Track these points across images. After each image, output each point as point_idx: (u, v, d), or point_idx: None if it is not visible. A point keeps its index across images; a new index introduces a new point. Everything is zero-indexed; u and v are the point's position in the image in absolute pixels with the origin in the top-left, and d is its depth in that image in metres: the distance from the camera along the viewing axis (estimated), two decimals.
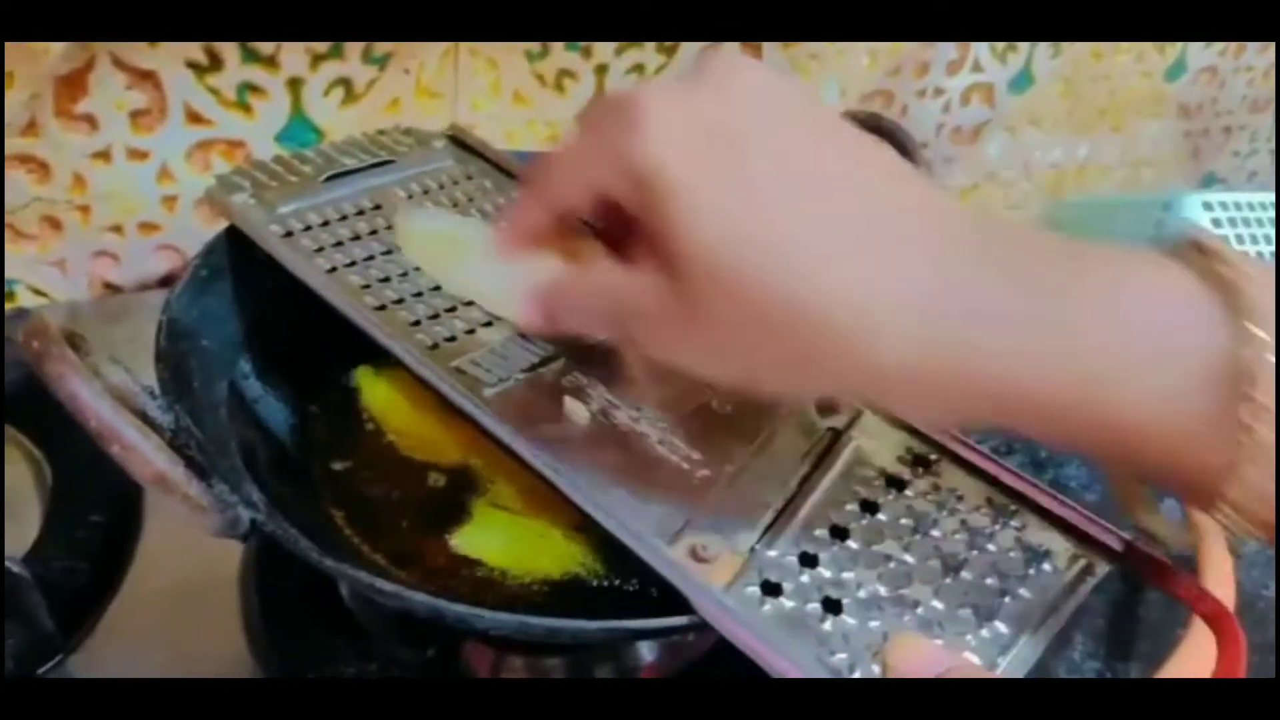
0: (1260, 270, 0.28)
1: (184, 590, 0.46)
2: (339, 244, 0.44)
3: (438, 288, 0.43)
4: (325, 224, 0.45)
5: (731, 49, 0.62)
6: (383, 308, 0.41)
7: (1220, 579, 0.50)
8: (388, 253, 0.44)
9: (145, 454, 0.32)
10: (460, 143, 0.52)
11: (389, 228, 0.45)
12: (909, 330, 0.28)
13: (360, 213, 0.46)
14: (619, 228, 0.33)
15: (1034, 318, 0.28)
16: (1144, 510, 0.43)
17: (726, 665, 0.43)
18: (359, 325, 0.40)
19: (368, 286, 0.42)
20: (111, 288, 0.64)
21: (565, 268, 0.34)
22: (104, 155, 0.60)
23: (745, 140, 0.29)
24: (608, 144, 0.30)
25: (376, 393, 0.46)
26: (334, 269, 0.42)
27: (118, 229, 0.63)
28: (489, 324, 0.42)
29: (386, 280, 0.42)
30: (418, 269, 0.43)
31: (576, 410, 0.39)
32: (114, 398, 0.33)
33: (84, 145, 0.59)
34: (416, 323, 0.41)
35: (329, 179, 0.47)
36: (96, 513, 0.48)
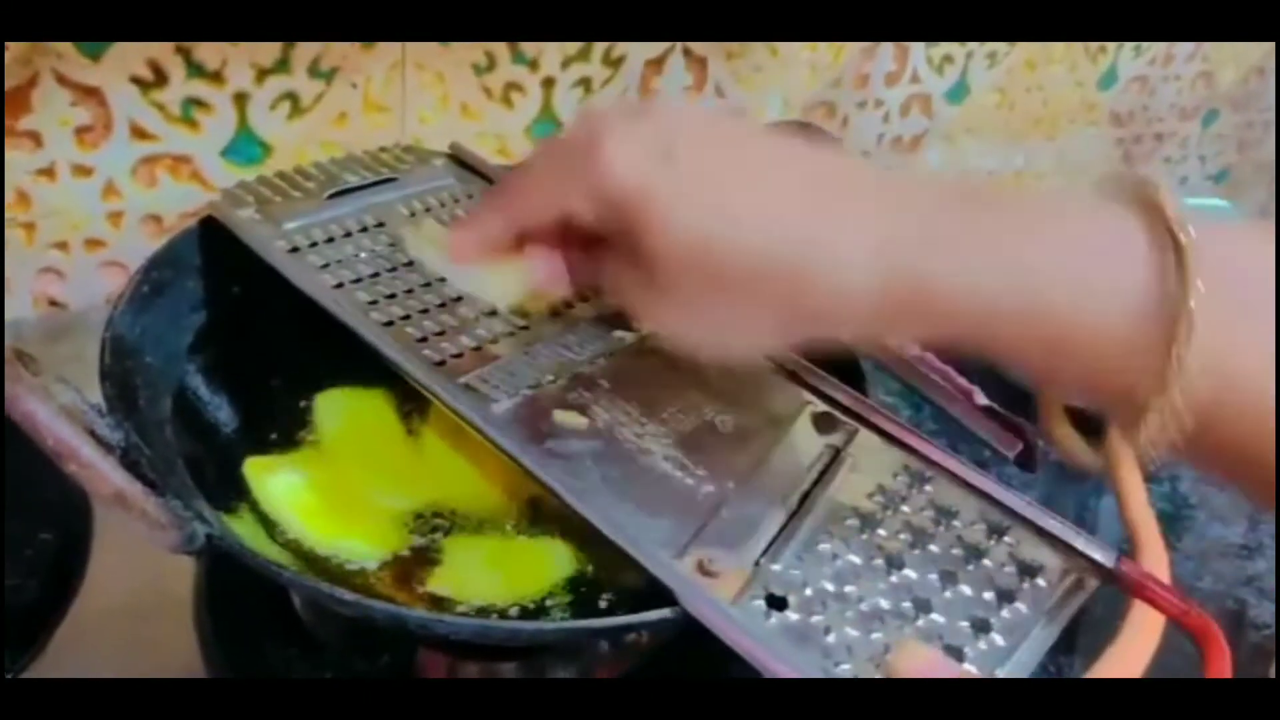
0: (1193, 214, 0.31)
1: (136, 607, 0.46)
2: (344, 260, 0.44)
3: (443, 305, 0.43)
4: (330, 240, 0.45)
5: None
6: (390, 324, 0.41)
7: (1139, 508, 0.53)
8: (393, 270, 0.44)
9: (104, 472, 0.32)
10: (460, 161, 0.52)
11: (392, 245, 0.46)
12: (869, 261, 0.33)
13: (364, 229, 0.46)
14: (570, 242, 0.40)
15: (982, 239, 0.33)
16: (1059, 424, 0.44)
17: (673, 664, 0.45)
18: (368, 341, 0.40)
19: (374, 303, 0.42)
20: (56, 305, 0.64)
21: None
22: (48, 172, 0.60)
23: (691, 151, 0.35)
24: (578, 176, 0.36)
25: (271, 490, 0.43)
26: (340, 285, 0.43)
27: (62, 246, 0.62)
28: (495, 341, 0.42)
29: (393, 297, 0.43)
30: (426, 285, 0.44)
31: (576, 422, 0.40)
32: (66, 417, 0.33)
33: (28, 162, 0.59)
34: (423, 339, 0.41)
35: (332, 196, 0.47)
36: (45, 530, 0.48)
